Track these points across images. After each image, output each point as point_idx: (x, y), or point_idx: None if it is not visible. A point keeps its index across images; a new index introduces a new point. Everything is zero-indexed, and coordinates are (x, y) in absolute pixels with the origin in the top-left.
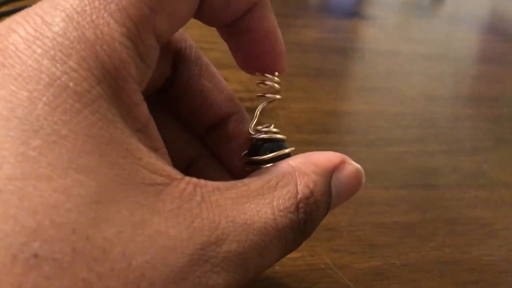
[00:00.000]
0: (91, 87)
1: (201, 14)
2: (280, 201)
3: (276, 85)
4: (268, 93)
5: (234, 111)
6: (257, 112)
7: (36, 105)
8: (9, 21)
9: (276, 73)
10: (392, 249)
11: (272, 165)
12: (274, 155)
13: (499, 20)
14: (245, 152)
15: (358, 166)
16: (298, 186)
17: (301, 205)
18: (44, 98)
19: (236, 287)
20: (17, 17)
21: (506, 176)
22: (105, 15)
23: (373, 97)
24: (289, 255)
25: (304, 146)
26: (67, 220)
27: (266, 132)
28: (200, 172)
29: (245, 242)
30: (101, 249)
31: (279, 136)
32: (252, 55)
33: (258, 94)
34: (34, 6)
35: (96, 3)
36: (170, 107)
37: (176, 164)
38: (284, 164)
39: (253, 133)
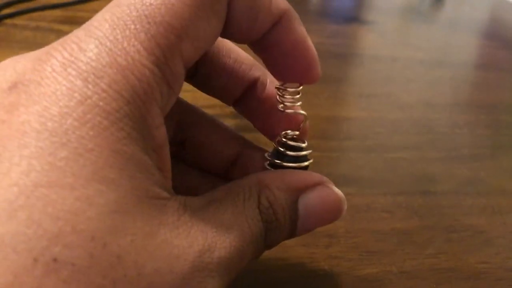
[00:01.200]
0: (120, 107)
1: (228, 34)
2: (250, 211)
3: (295, 97)
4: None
5: (258, 75)
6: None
7: (66, 120)
8: (48, 47)
9: (299, 92)
10: (389, 256)
11: (246, 177)
12: (295, 166)
13: (498, 27)
14: (269, 152)
15: (338, 191)
16: (260, 198)
17: (262, 215)
18: (74, 114)
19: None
20: (55, 44)
21: (503, 183)
22: (136, 43)
23: (371, 103)
24: (287, 262)
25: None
26: (87, 227)
27: (293, 140)
28: (249, 158)
29: (230, 248)
30: (116, 256)
31: (303, 145)
32: (284, 66)
33: (280, 109)
34: (70, 34)
35: (127, 32)
36: (201, 88)
37: (224, 160)
38: (253, 178)
39: (282, 138)
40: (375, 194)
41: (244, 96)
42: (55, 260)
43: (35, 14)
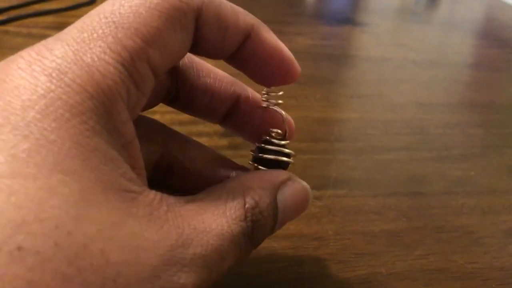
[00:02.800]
0: (83, 101)
1: (199, 49)
2: (232, 211)
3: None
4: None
5: (240, 91)
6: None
7: (29, 113)
8: (20, 51)
9: (280, 91)
10: (379, 257)
11: (226, 181)
12: (273, 159)
13: (491, 26)
14: (253, 149)
15: (304, 183)
16: (245, 199)
17: (248, 214)
18: (36, 107)
19: (204, 285)
20: (27, 48)
21: (494, 183)
22: (102, 44)
23: (363, 104)
24: (277, 265)
25: (294, 154)
26: (51, 216)
27: (274, 136)
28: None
29: (207, 246)
30: (81, 244)
31: (282, 142)
32: (265, 74)
33: (263, 105)
34: (42, 41)
35: (95, 35)
36: (185, 110)
37: (212, 184)
38: (234, 182)
39: (266, 136)
40: (365, 196)
41: (230, 113)
42: (19, 248)
43: (27, 21)
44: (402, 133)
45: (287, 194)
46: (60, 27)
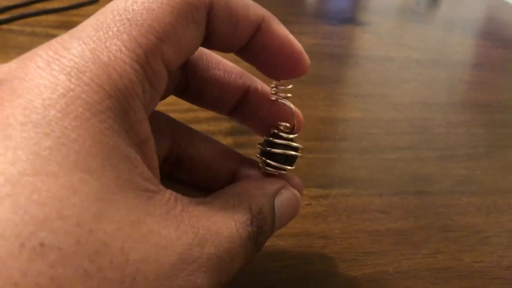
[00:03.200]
0: (102, 100)
1: (211, 43)
2: (240, 215)
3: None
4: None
5: (249, 83)
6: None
7: (49, 111)
8: (34, 49)
9: (290, 84)
10: (385, 256)
11: (228, 187)
12: (281, 153)
13: (493, 26)
14: (261, 142)
15: (296, 192)
16: (250, 205)
17: (254, 219)
18: (57, 106)
19: (216, 287)
20: (41, 45)
21: (498, 182)
22: (118, 43)
23: (367, 103)
24: (283, 263)
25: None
26: (72, 213)
27: (283, 130)
28: (245, 177)
29: (220, 247)
30: (102, 242)
31: (291, 136)
32: (275, 66)
33: (272, 98)
34: (56, 37)
35: (110, 33)
36: (194, 102)
37: (221, 177)
38: (238, 188)
39: (274, 130)
40: (370, 195)
41: (239, 105)
42: (42, 244)
43: (30, 20)
44: (406, 132)
45: (282, 202)
46: (63, 26)
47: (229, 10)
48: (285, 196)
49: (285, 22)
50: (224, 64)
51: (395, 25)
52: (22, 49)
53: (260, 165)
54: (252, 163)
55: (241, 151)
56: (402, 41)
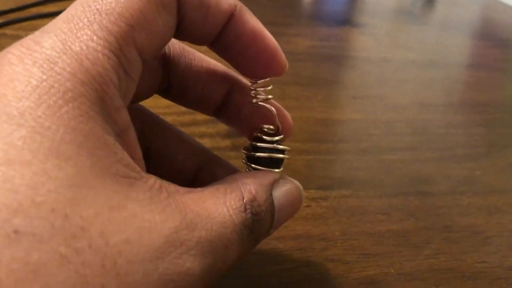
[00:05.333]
0: (74, 87)
1: (182, 31)
2: (232, 202)
3: (265, 92)
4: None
5: (233, 82)
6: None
7: (23, 103)
8: (8, 47)
9: (269, 85)
10: (387, 258)
11: (218, 181)
12: (267, 156)
13: (489, 26)
14: (246, 147)
15: (297, 182)
16: (243, 193)
17: (247, 206)
18: (31, 97)
19: (209, 274)
20: (14, 43)
21: (498, 182)
22: (89, 32)
23: (365, 105)
24: (284, 266)
25: (297, 155)
26: (47, 199)
27: (267, 133)
28: (210, 175)
29: (211, 231)
30: (79, 227)
31: (275, 138)
32: (249, 61)
33: (253, 102)
34: (29, 35)
35: (80, 24)
36: (178, 101)
37: (185, 172)
38: (230, 178)
39: (257, 133)
40: (370, 196)
41: (223, 105)
42: (15, 231)
43: (25, 24)
44: (405, 133)
45: (281, 192)
46: None
47: None
48: (285, 187)
49: (282, 25)
50: (206, 62)
51: (391, 27)
52: None
53: (247, 170)
54: (219, 162)
55: (238, 154)
56: (399, 43)
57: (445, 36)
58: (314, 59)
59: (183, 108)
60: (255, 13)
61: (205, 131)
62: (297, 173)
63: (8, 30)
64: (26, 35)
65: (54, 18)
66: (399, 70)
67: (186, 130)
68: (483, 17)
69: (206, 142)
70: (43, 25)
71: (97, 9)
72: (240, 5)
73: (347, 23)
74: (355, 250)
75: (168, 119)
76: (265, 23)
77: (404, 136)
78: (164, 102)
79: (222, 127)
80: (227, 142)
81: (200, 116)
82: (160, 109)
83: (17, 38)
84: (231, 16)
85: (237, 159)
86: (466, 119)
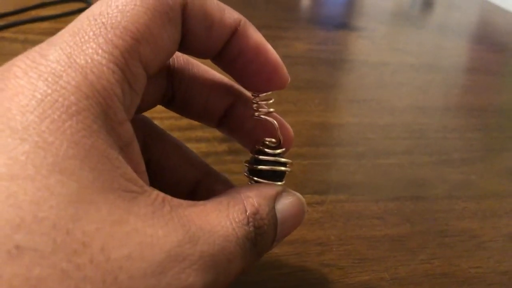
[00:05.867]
0: (78, 101)
1: (187, 45)
2: (235, 215)
3: (267, 105)
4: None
5: (237, 95)
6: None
7: (28, 117)
8: (13, 59)
9: (271, 98)
10: (382, 263)
11: (220, 194)
12: (269, 169)
13: (487, 30)
14: (248, 160)
15: (299, 195)
16: (246, 206)
17: (250, 219)
18: (35, 112)
19: None
20: (20, 55)
21: (495, 187)
22: (94, 46)
23: (362, 109)
24: (280, 271)
25: (294, 159)
26: (49, 215)
27: (269, 146)
28: (208, 189)
29: (214, 245)
30: (80, 242)
31: (277, 151)
32: (251, 75)
33: (255, 116)
34: (34, 47)
35: (86, 38)
36: (181, 112)
37: (183, 185)
38: (232, 191)
39: (259, 146)
40: (366, 201)
41: (226, 117)
42: (17, 247)
43: (24, 27)
44: (401, 137)
45: (284, 205)
46: (56, 33)
47: (204, 11)
48: (288, 200)
49: (280, 28)
50: (211, 74)
51: (389, 30)
52: (15, 57)
53: (249, 183)
54: (218, 176)
55: (235, 158)
56: (397, 46)
57: (443, 40)
58: (312, 63)
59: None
60: (254, 17)
61: (202, 136)
62: (293, 177)
63: (6, 33)
64: (25, 38)
65: (52, 21)
66: (396, 73)
67: (183, 134)
68: (481, 21)
69: (203, 147)
70: (41, 28)
71: (103, 23)
72: (244, 20)
73: (345, 27)
74: (351, 255)
75: (166, 123)
76: (263, 27)
77: (401, 140)
78: (161, 107)
79: (219, 132)
80: (224, 147)
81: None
82: (157, 113)
83: (15, 41)
84: (235, 31)
85: (234, 164)
86: (463, 123)
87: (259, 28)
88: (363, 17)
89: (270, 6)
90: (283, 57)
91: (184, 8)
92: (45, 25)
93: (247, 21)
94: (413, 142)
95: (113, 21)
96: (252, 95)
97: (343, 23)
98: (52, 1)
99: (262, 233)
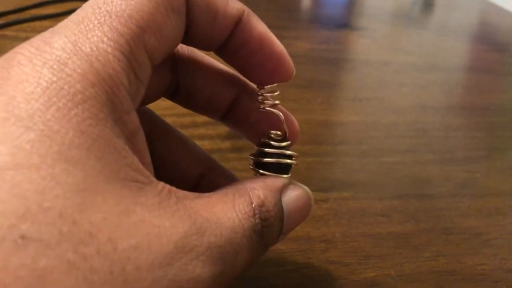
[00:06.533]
0: (84, 89)
1: (191, 37)
2: (241, 207)
3: (273, 97)
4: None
5: (242, 87)
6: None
7: (33, 105)
8: (16, 47)
9: (276, 91)
10: (387, 260)
11: (225, 186)
12: (275, 162)
13: (488, 30)
14: (253, 153)
15: (306, 188)
16: (252, 197)
17: (256, 211)
18: (40, 99)
19: (219, 280)
20: (23, 43)
21: (498, 185)
22: (99, 34)
23: (365, 107)
24: (285, 268)
25: (298, 157)
26: (55, 205)
27: (274, 139)
28: (212, 183)
29: (221, 236)
30: (87, 232)
31: (283, 144)
32: (256, 67)
33: (260, 108)
34: (37, 35)
35: (91, 26)
36: (185, 105)
37: (187, 179)
38: (238, 184)
39: (265, 138)
40: (371, 198)
41: (231, 109)
42: (22, 237)
43: (25, 25)
44: (405, 136)
45: (290, 198)
46: None
47: (207, 1)
48: (294, 193)
49: (282, 28)
50: (215, 66)
51: (390, 30)
52: None
53: (255, 176)
54: (222, 170)
55: (238, 155)
56: (398, 46)
57: (444, 39)
58: (314, 62)
59: (183, 110)
60: None
61: (205, 133)
62: (297, 175)
63: (8, 32)
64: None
65: (53, 20)
66: (398, 73)
67: (186, 132)
68: (482, 21)
69: (206, 144)
70: (42, 26)
71: (107, 11)
72: (247, 10)
73: (347, 27)
74: (356, 252)
75: (168, 120)
76: None
77: (405, 139)
78: (164, 103)
79: (222, 129)
80: (227, 144)
81: (200, 118)
82: (160, 110)
83: (17, 39)
84: (239, 21)
85: (237, 161)
86: (465, 122)
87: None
88: (364, 17)
89: (272, 5)
90: None
91: None
92: (46, 23)
93: (250, 11)
94: (416, 141)
95: (118, 9)
96: (257, 88)
97: (345, 23)
98: (53, 0)
99: (269, 226)
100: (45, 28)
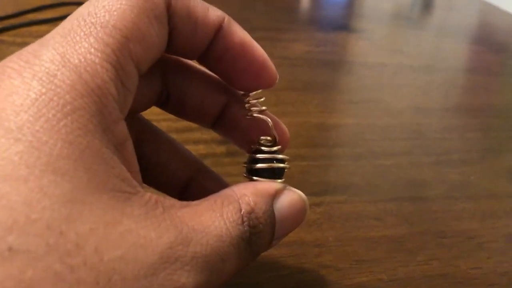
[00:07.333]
0: (73, 100)
1: (173, 45)
2: (229, 215)
3: (259, 100)
4: (253, 111)
5: (231, 94)
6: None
7: (22, 117)
8: (5, 60)
9: (261, 97)
10: (380, 264)
11: (215, 193)
12: (267, 167)
13: (486, 31)
14: (246, 160)
15: (301, 193)
16: (241, 204)
17: (245, 218)
18: (29, 111)
19: None
20: (12, 56)
21: (493, 187)
22: (86, 45)
23: (361, 110)
24: (278, 273)
25: (293, 161)
26: (42, 216)
27: (264, 145)
28: (201, 186)
29: (207, 246)
30: (74, 243)
31: (274, 149)
32: (239, 74)
33: (248, 115)
34: (26, 47)
35: (77, 38)
36: (176, 113)
37: (176, 182)
38: (228, 190)
39: (256, 146)
40: (365, 202)
41: (221, 117)
42: (9, 249)
43: (21, 30)
44: (400, 138)
45: (283, 203)
46: None
47: (188, 9)
48: (288, 198)
49: (279, 30)
50: (205, 75)
51: (388, 32)
52: None
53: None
54: (210, 174)
55: (233, 160)
56: (396, 47)
57: (442, 41)
58: (311, 64)
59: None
60: (252, 18)
61: (200, 137)
62: (291, 178)
63: (5, 36)
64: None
65: (51, 24)
66: (395, 74)
67: (180, 136)
68: (480, 22)
69: (201, 149)
70: (40, 31)
71: (92, 23)
72: (228, 17)
73: (344, 28)
74: (349, 256)
75: (163, 125)
76: (262, 29)
77: (400, 141)
78: (157, 108)
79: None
80: (222, 149)
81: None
82: (154, 115)
83: (14, 44)
84: (220, 28)
85: (232, 165)
86: (462, 124)
87: (258, 29)
88: (362, 19)
89: (269, 8)
90: (282, 58)
91: (168, 6)
92: (43, 28)
93: (231, 18)
94: (412, 143)
95: (102, 20)
96: (242, 95)
97: (342, 25)
98: (50, 5)
99: (258, 233)
100: (43, 33)
